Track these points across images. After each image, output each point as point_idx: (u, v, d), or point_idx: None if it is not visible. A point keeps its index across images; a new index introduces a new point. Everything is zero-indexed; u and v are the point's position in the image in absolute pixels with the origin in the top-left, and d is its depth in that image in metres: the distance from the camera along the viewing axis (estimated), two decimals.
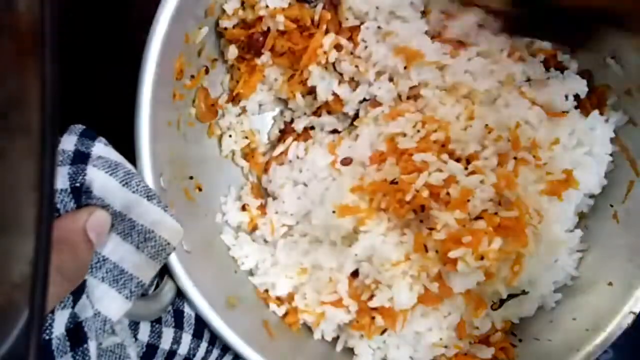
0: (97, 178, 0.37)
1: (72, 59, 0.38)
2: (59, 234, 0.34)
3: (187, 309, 0.44)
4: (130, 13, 0.52)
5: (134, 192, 0.38)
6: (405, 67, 0.52)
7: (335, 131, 0.56)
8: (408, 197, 0.48)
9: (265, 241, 0.55)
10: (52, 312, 0.33)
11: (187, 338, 0.44)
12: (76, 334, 0.34)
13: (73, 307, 0.35)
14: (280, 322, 0.52)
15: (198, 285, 0.44)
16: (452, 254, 0.47)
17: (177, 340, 0.43)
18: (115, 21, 0.54)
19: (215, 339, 0.46)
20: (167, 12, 0.42)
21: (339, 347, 0.53)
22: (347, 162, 0.53)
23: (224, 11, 0.50)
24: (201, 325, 0.45)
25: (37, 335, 0.18)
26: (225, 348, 0.46)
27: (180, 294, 0.44)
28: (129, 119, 0.42)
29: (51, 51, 0.19)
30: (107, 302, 0.37)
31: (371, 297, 0.50)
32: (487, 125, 0.50)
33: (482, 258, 0.47)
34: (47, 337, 0.33)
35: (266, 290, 0.54)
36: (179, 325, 0.44)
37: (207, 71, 0.52)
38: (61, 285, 0.32)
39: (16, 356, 0.18)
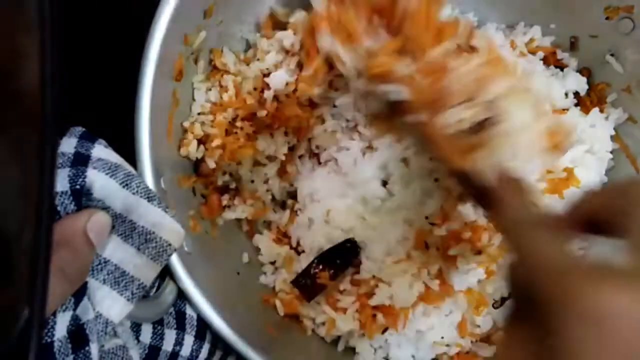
0: (97, 180, 0.36)
1: (72, 60, 0.38)
2: (60, 236, 0.34)
3: (188, 311, 0.44)
4: (129, 14, 0.52)
5: (134, 193, 0.38)
6: None
7: None
8: None
9: None
10: (54, 314, 0.33)
11: (189, 339, 0.44)
12: (78, 336, 0.34)
13: (74, 310, 0.35)
14: (282, 323, 0.52)
15: (199, 287, 0.44)
16: (452, 252, 0.47)
17: (179, 342, 0.43)
18: (115, 22, 0.54)
19: (217, 340, 0.46)
20: (166, 13, 0.42)
21: (340, 347, 0.53)
22: None
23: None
24: (203, 327, 0.45)
25: (37, 335, 0.18)
26: (228, 349, 0.46)
27: (181, 296, 0.44)
28: (129, 120, 0.42)
29: (51, 51, 0.19)
30: (109, 304, 0.37)
31: (371, 295, 0.50)
32: None
33: (479, 253, 0.47)
34: (49, 340, 0.33)
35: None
36: (180, 326, 0.44)
37: None
38: (63, 287, 0.33)
39: (16, 356, 0.18)
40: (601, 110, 0.55)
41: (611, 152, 0.55)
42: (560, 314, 0.25)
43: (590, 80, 0.55)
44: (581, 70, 0.56)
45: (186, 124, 0.50)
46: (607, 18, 0.53)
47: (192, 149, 0.50)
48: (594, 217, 0.30)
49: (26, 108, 0.20)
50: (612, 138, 0.55)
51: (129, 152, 0.42)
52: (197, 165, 0.51)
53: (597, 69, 0.56)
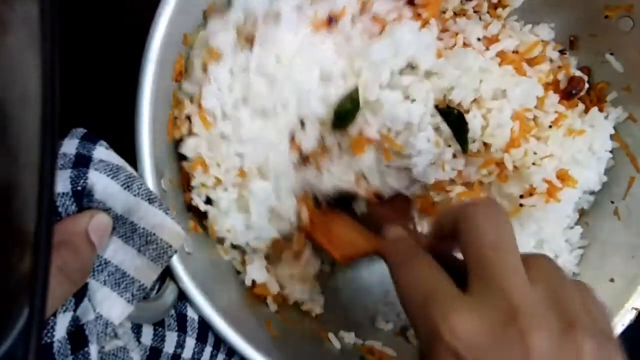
0: (98, 181, 0.37)
1: (72, 61, 0.38)
2: (61, 236, 0.34)
3: (190, 313, 0.44)
4: (129, 15, 0.53)
5: (135, 195, 0.38)
6: None
7: None
8: None
9: None
10: (54, 315, 0.33)
11: (190, 342, 0.44)
12: (77, 337, 0.34)
13: (75, 310, 0.35)
14: (282, 323, 0.52)
15: (200, 287, 0.43)
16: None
17: (180, 344, 0.43)
18: (115, 23, 0.54)
19: (219, 343, 0.46)
20: (166, 13, 0.42)
21: (335, 342, 0.54)
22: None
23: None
24: (205, 329, 0.45)
25: (37, 335, 0.18)
26: (231, 352, 0.46)
27: (182, 297, 0.44)
28: (129, 121, 0.42)
29: (52, 50, 0.19)
30: (109, 306, 0.37)
31: None
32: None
33: None
34: (48, 341, 0.33)
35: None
36: (182, 329, 0.44)
37: None
38: (64, 287, 0.33)
39: (16, 356, 0.18)
40: (601, 109, 0.55)
41: (611, 151, 0.55)
42: (429, 341, 0.30)
43: (589, 80, 0.55)
44: (581, 69, 0.56)
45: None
46: (606, 17, 0.53)
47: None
48: (444, 232, 0.36)
49: (26, 110, 0.20)
50: (612, 137, 0.55)
51: (131, 153, 0.42)
52: None
53: (596, 68, 0.56)
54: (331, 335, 0.53)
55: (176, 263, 0.42)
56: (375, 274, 0.60)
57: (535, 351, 0.27)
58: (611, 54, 0.54)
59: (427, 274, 0.34)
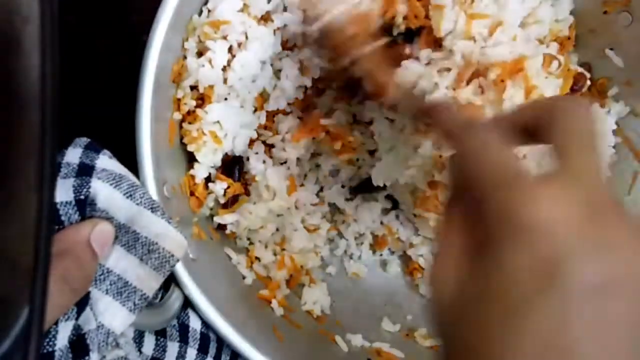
0: (101, 190, 0.37)
1: (72, 63, 0.38)
2: (63, 245, 0.34)
3: (192, 324, 0.44)
4: (130, 16, 0.53)
5: (138, 204, 0.38)
6: None
7: None
8: None
9: None
10: (56, 323, 0.33)
11: (192, 353, 0.44)
12: (78, 346, 0.34)
13: (77, 319, 0.35)
14: (289, 327, 0.52)
15: (205, 293, 0.43)
16: None
17: (182, 355, 0.43)
18: (116, 24, 0.54)
19: (220, 354, 0.46)
20: (165, 20, 0.42)
21: (342, 345, 0.54)
22: None
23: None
24: (206, 340, 0.44)
25: (36, 336, 0.17)
26: (234, 357, 0.46)
27: (186, 306, 0.43)
28: (131, 128, 0.42)
29: (51, 48, 0.19)
30: (111, 315, 0.37)
31: None
32: None
33: None
34: (50, 349, 0.32)
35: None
36: (184, 339, 0.43)
37: None
38: (66, 296, 0.32)
39: (16, 356, 0.17)
40: (602, 105, 0.55)
41: (614, 147, 0.55)
42: (503, 228, 0.26)
43: (590, 76, 0.55)
44: (582, 65, 0.56)
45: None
46: (605, 12, 0.53)
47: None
48: (523, 126, 0.32)
49: (26, 116, 0.20)
50: (615, 132, 0.54)
51: (133, 161, 0.42)
52: None
53: (597, 63, 0.55)
54: (338, 338, 0.53)
55: (181, 269, 0.42)
56: (380, 276, 0.60)
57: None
58: (611, 49, 0.54)
59: (498, 150, 0.29)
